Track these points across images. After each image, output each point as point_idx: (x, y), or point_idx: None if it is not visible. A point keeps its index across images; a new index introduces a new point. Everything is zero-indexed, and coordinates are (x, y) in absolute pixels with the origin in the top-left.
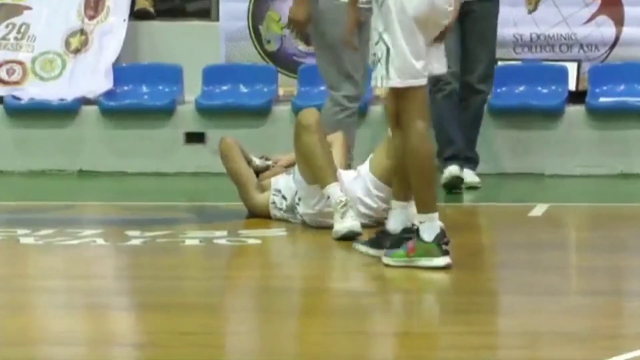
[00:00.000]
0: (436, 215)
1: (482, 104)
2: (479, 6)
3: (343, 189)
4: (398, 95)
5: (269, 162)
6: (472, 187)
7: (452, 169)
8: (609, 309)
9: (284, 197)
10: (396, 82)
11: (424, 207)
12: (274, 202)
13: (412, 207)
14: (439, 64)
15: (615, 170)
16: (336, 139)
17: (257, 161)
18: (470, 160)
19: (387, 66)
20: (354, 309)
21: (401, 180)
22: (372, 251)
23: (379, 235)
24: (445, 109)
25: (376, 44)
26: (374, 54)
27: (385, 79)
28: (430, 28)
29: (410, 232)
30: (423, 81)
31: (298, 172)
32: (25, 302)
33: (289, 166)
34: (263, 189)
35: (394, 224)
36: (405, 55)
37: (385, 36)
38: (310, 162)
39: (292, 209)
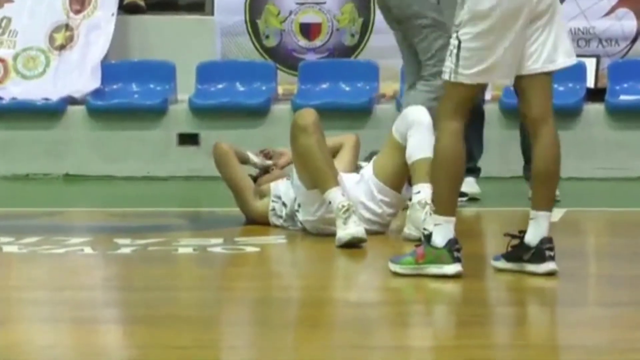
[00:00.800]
0: (453, 220)
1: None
2: None
3: (345, 193)
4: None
5: (269, 163)
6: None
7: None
8: (629, 320)
9: (284, 204)
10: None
11: (444, 210)
12: (273, 209)
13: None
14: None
15: (636, 172)
16: (348, 140)
17: (254, 158)
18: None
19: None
20: (358, 321)
21: (542, 187)
22: (509, 265)
23: (516, 248)
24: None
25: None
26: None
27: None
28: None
29: (550, 242)
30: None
31: (296, 177)
32: (8, 315)
33: (286, 165)
34: (262, 194)
35: (532, 235)
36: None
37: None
38: (309, 165)
39: (292, 217)
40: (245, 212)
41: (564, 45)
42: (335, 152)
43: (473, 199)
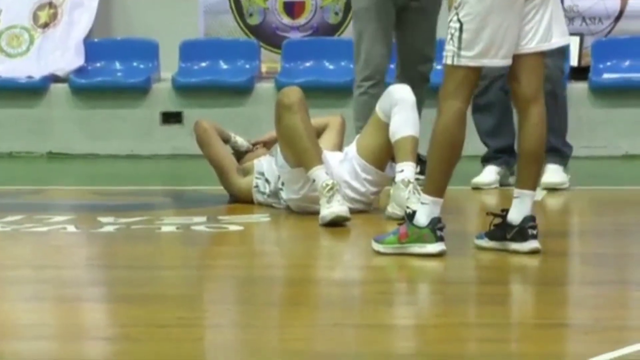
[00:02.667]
0: (441, 202)
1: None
2: None
3: (329, 172)
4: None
5: (251, 146)
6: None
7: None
8: (613, 299)
9: (267, 181)
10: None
11: (434, 190)
12: (257, 186)
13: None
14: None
15: (620, 151)
16: (333, 121)
17: (236, 139)
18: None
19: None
20: (342, 299)
21: (528, 166)
22: (492, 244)
23: (499, 226)
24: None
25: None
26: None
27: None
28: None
29: (534, 221)
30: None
31: (280, 155)
32: None
33: (271, 143)
34: (245, 172)
35: (515, 214)
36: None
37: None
38: (293, 144)
39: (275, 193)
40: (228, 190)
41: (558, 25)
42: (320, 132)
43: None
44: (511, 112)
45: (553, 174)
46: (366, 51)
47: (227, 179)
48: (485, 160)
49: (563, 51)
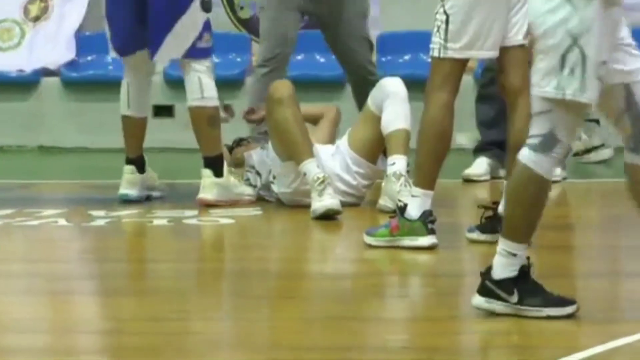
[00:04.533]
0: (431, 194)
1: None
2: None
3: (320, 165)
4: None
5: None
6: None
7: None
8: (604, 291)
9: (258, 174)
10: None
11: (424, 182)
12: (247, 179)
13: None
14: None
15: (612, 144)
16: (328, 113)
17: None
18: None
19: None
20: (334, 292)
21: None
22: (484, 237)
23: (491, 219)
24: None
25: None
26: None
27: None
28: None
29: None
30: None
31: (272, 149)
32: None
33: (261, 120)
34: (237, 164)
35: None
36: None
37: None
38: (285, 137)
39: (267, 186)
40: None
41: None
42: (314, 120)
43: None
44: None
45: None
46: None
47: None
48: (478, 150)
49: None
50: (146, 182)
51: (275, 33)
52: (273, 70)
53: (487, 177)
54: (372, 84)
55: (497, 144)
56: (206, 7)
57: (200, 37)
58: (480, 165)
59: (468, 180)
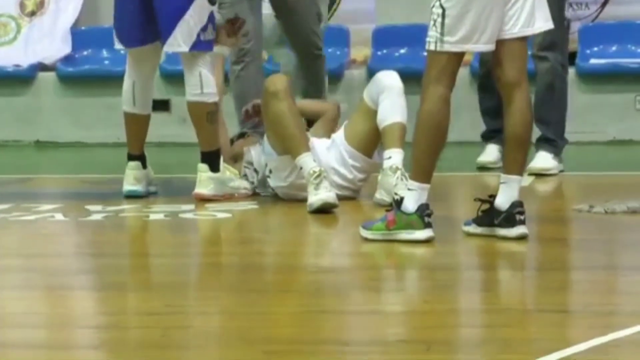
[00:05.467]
0: (428, 188)
1: None
2: None
3: (316, 159)
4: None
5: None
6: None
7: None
8: (602, 284)
9: (255, 171)
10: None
11: (420, 176)
12: (245, 175)
13: (521, 182)
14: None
15: (608, 136)
16: (329, 110)
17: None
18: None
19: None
20: (330, 286)
21: (514, 152)
22: (480, 230)
23: (487, 212)
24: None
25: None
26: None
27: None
28: None
29: (521, 206)
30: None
31: (267, 143)
32: None
33: (258, 113)
34: (236, 158)
35: (503, 199)
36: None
37: None
38: (280, 131)
39: (263, 182)
40: None
41: (541, 10)
42: (315, 116)
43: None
44: None
45: (541, 159)
46: None
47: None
48: (486, 138)
49: (564, 46)
50: (149, 178)
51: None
52: (248, 64)
53: (500, 163)
54: (316, 57)
55: (502, 131)
56: None
57: (205, 29)
58: (492, 152)
59: (482, 168)
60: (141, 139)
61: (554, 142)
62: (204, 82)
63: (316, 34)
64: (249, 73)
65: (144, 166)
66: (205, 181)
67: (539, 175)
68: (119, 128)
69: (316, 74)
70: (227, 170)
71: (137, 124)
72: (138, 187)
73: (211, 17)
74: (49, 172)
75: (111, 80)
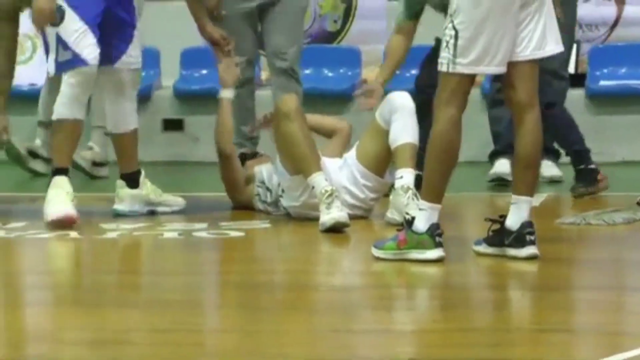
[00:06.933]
0: (439, 208)
1: None
2: None
3: (328, 178)
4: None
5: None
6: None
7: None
8: (610, 303)
9: (268, 189)
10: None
11: (431, 196)
12: (258, 194)
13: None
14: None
15: (616, 157)
16: (341, 130)
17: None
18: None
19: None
20: (342, 305)
21: (524, 172)
22: (490, 250)
23: (498, 232)
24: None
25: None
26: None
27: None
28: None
29: (531, 227)
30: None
31: (279, 163)
32: None
33: (269, 121)
34: (248, 180)
35: (513, 220)
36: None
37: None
38: (292, 151)
39: (275, 202)
40: (236, 199)
41: (552, 33)
42: (326, 132)
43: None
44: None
45: (547, 168)
46: None
47: (239, 189)
48: (494, 155)
49: (562, 75)
50: (142, 198)
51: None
52: (242, 84)
53: (510, 177)
54: (288, 76)
55: (512, 146)
56: None
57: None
58: (505, 165)
59: (496, 180)
60: (127, 157)
61: (556, 151)
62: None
63: (281, 51)
64: (243, 93)
65: (135, 185)
66: (122, 197)
67: (550, 182)
68: None
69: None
70: (149, 186)
71: (121, 143)
72: (119, 207)
73: (58, 39)
74: None
75: None
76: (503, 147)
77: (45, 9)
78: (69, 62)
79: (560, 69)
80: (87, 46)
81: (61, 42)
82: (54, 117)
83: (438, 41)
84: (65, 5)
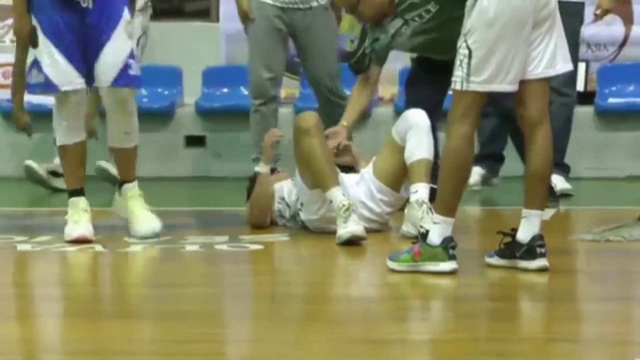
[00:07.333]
0: (452, 221)
1: None
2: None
3: (345, 193)
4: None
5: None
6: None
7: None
8: (618, 314)
9: (288, 205)
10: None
11: (445, 210)
12: (278, 210)
13: (542, 216)
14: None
15: (624, 172)
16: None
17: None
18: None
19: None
20: (359, 315)
21: (535, 187)
22: (502, 262)
23: (509, 245)
24: None
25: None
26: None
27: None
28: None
29: (542, 239)
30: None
31: (299, 177)
32: (22, 310)
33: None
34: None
35: (524, 233)
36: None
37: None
38: (311, 166)
39: (294, 217)
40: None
41: (562, 51)
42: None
43: (565, 195)
44: (506, 123)
45: (559, 182)
46: (252, 73)
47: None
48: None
49: (565, 92)
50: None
51: (257, 75)
52: (266, 102)
53: (478, 187)
54: (333, 103)
55: (491, 156)
56: None
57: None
58: (474, 175)
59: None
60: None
61: (564, 166)
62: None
63: (333, 78)
64: (268, 109)
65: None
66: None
67: (563, 195)
68: (156, 162)
69: (335, 122)
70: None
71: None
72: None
73: (34, 61)
74: (90, 205)
75: (149, 117)
76: (476, 156)
77: (20, 31)
78: (41, 85)
79: (564, 87)
80: (60, 72)
81: (36, 64)
82: (57, 143)
83: (413, 61)
84: (38, 28)
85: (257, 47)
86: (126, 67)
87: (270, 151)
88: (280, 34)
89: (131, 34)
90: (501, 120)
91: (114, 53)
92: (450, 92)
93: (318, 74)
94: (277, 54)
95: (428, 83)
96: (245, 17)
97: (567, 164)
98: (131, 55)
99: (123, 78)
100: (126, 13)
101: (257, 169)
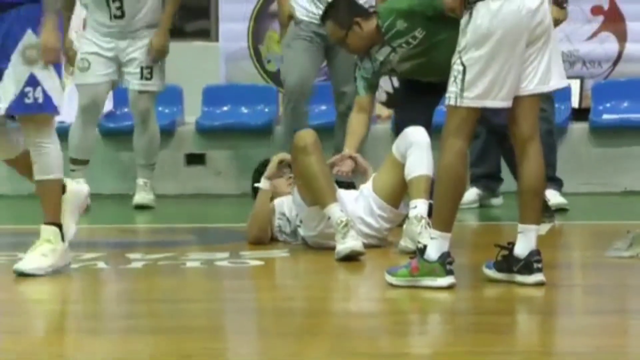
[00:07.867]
0: (449, 237)
1: None
2: None
3: (344, 209)
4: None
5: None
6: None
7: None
8: (613, 327)
9: (288, 221)
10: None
11: (441, 225)
12: (279, 226)
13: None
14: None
15: (618, 187)
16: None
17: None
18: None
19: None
20: (358, 330)
21: (530, 202)
22: (500, 275)
23: (506, 258)
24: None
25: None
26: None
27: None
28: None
29: (539, 254)
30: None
31: (297, 194)
32: (24, 326)
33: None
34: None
35: (521, 248)
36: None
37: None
38: (309, 183)
39: (294, 232)
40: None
41: (556, 68)
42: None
43: (561, 210)
44: (495, 139)
45: (553, 197)
46: (285, 75)
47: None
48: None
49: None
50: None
51: (291, 80)
52: (298, 101)
53: (476, 205)
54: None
55: (487, 176)
56: None
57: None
58: (470, 194)
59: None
60: None
61: (556, 180)
62: None
63: (344, 93)
64: (299, 108)
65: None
66: None
67: (558, 210)
68: (157, 180)
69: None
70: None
71: None
72: None
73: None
74: (92, 222)
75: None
76: (470, 177)
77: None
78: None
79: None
80: None
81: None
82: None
83: (400, 83)
84: None
85: (290, 52)
86: (22, 95)
87: (274, 167)
88: (316, 46)
89: (34, 59)
90: (489, 136)
91: (9, 80)
92: (440, 108)
93: (342, 90)
94: (308, 62)
95: (416, 103)
96: (287, 19)
97: (559, 178)
98: (29, 83)
99: (19, 107)
100: (28, 36)
101: (257, 184)
